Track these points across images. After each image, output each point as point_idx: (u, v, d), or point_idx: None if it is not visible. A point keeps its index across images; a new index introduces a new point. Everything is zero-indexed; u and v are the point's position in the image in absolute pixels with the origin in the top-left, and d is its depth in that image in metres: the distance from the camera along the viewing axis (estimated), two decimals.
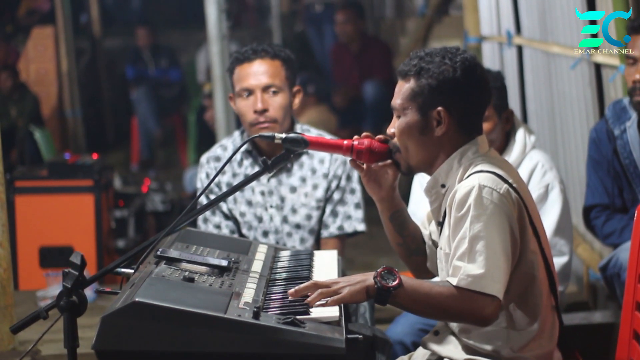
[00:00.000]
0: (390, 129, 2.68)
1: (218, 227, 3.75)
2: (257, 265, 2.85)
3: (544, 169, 3.68)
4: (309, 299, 2.46)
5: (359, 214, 3.76)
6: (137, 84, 10.12)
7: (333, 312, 2.44)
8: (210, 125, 7.68)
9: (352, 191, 3.76)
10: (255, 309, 2.35)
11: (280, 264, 2.94)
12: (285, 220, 3.73)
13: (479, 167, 2.58)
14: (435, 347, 2.67)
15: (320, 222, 3.76)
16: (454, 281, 2.49)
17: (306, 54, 9.71)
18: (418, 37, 8.69)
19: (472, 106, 2.63)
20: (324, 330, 2.35)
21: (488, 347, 2.59)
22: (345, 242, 3.81)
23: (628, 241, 3.24)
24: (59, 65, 9.45)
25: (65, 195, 5.50)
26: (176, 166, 9.99)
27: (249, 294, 2.53)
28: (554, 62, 4.89)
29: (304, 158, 3.75)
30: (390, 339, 2.88)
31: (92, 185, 5.49)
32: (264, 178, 3.72)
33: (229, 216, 3.77)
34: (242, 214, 3.75)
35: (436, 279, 2.70)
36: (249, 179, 2.77)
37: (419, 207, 3.74)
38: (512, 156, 3.68)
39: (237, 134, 3.88)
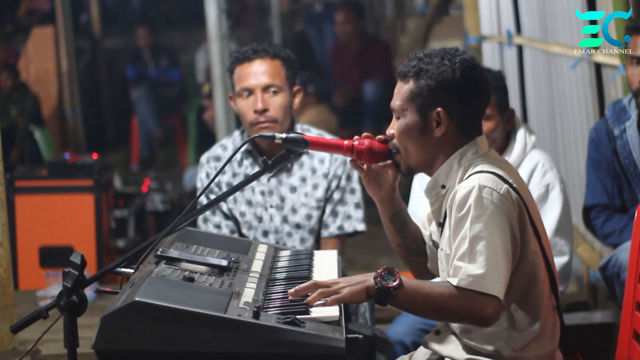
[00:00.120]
0: (390, 130, 2.68)
1: (218, 227, 3.75)
2: (257, 265, 2.85)
3: (545, 169, 3.69)
4: (309, 298, 2.46)
5: (359, 213, 3.76)
6: (137, 84, 10.12)
7: (333, 312, 2.44)
8: (209, 126, 7.69)
9: (352, 191, 3.76)
10: (255, 309, 2.35)
11: (280, 264, 2.94)
12: (285, 220, 3.73)
13: (479, 168, 2.58)
14: (436, 347, 2.67)
15: (320, 222, 3.76)
16: (454, 281, 2.49)
17: (306, 53, 9.71)
18: (418, 37, 8.69)
19: (471, 107, 2.63)
20: (324, 330, 2.35)
21: (489, 347, 2.59)
22: (345, 242, 3.81)
23: (628, 241, 3.24)
24: (59, 65, 9.46)
25: (65, 195, 5.50)
26: (176, 166, 9.99)
27: (249, 293, 2.54)
28: (554, 62, 4.89)
29: (304, 158, 3.75)
30: (391, 339, 2.88)
31: (92, 185, 5.50)
32: (264, 178, 3.72)
33: (229, 216, 3.77)
34: (242, 214, 3.75)
35: (437, 280, 2.70)
36: (249, 179, 2.77)
37: (419, 208, 3.74)
38: (512, 156, 3.68)
39: (237, 133, 3.88)
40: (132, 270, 2.66)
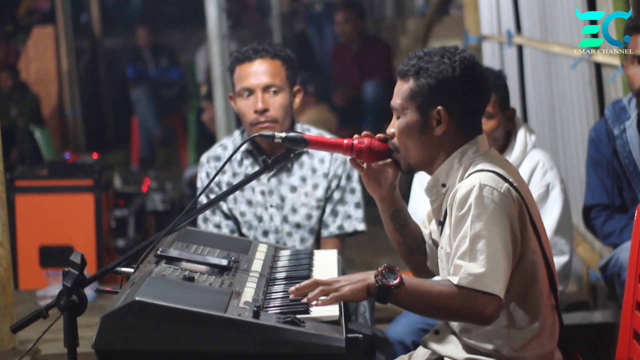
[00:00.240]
0: (390, 129, 2.67)
1: (218, 226, 3.75)
2: (257, 265, 2.85)
3: (545, 169, 3.69)
4: (309, 295, 2.46)
5: (359, 213, 3.76)
6: (137, 84, 10.12)
7: (333, 311, 2.44)
8: (207, 127, 7.69)
9: (352, 191, 3.76)
10: (255, 308, 2.35)
11: (280, 264, 2.94)
12: (285, 219, 3.73)
13: (479, 166, 2.58)
14: (436, 347, 2.67)
15: (321, 222, 3.76)
16: (455, 280, 2.49)
17: (306, 53, 9.71)
18: (418, 37, 8.69)
19: (471, 105, 2.63)
20: (324, 329, 2.35)
21: (489, 346, 2.59)
22: (345, 241, 3.81)
23: (628, 241, 3.24)
24: (59, 64, 9.46)
25: (65, 195, 5.50)
26: (176, 166, 10.00)
27: (249, 293, 2.53)
28: (554, 62, 4.89)
29: (304, 157, 3.75)
30: (390, 339, 2.88)
31: (92, 184, 5.50)
32: (264, 177, 3.72)
33: (229, 216, 3.77)
34: (242, 214, 3.75)
35: (437, 278, 2.70)
36: (249, 178, 2.77)
37: (419, 207, 3.75)
38: (513, 155, 3.68)
39: (237, 133, 3.88)
40: (132, 270, 2.66)
